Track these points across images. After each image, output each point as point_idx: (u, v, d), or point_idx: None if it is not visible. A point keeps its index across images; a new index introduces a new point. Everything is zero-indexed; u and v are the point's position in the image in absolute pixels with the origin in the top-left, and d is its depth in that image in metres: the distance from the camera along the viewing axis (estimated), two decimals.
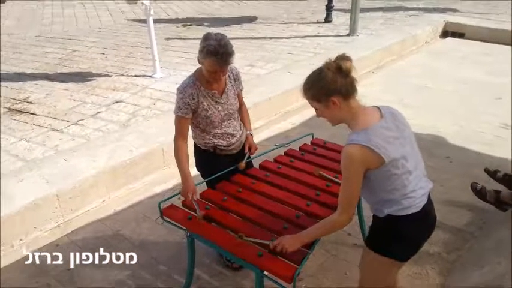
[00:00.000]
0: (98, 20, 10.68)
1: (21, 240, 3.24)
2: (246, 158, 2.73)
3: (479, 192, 3.33)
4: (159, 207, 2.33)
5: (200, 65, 2.42)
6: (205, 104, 2.45)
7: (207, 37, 2.31)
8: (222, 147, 2.62)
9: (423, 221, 1.89)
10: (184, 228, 2.28)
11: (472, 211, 3.42)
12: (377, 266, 1.95)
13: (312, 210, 2.28)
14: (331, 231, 1.96)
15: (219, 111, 2.51)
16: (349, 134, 1.79)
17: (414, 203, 1.81)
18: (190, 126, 2.57)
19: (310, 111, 5.38)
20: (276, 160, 2.88)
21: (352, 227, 3.17)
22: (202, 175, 2.66)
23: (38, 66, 7.02)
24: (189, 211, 2.35)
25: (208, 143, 2.60)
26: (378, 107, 1.85)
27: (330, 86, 1.74)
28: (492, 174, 3.54)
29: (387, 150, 1.70)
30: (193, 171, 2.67)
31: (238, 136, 2.69)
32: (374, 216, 1.95)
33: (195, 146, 2.71)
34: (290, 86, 5.67)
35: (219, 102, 2.51)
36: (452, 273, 2.79)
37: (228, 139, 2.62)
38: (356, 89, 1.78)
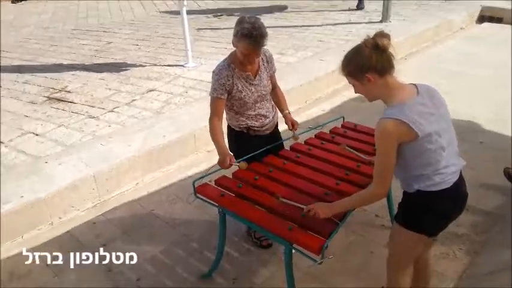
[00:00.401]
0: (131, 13, 10.93)
1: (60, 218, 3.42)
2: (292, 135, 2.83)
3: None
4: (193, 185, 2.42)
5: (234, 49, 2.49)
6: (239, 85, 2.54)
7: (241, 21, 2.39)
8: (256, 128, 2.70)
9: (453, 197, 1.89)
10: (217, 205, 2.36)
11: (503, 195, 3.37)
12: (405, 240, 1.98)
13: (342, 188, 2.31)
14: (365, 203, 1.98)
15: (252, 92, 2.59)
16: (385, 108, 1.81)
17: (445, 179, 1.82)
18: (224, 109, 2.65)
19: (340, 98, 5.47)
20: (306, 142, 2.93)
21: (381, 208, 3.20)
22: (236, 156, 2.72)
23: (75, 57, 7.28)
24: (221, 189, 2.42)
25: (242, 124, 2.68)
26: (415, 84, 1.85)
27: (365, 62, 1.76)
28: None
29: (422, 124, 1.71)
30: None
31: (271, 117, 2.76)
32: (404, 192, 1.96)
33: (229, 127, 2.80)
34: (321, 73, 5.70)
35: (252, 84, 2.58)
36: (480, 254, 2.77)
37: (261, 120, 2.70)
38: (393, 65, 1.79)
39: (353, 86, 1.90)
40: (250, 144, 2.70)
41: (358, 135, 2.96)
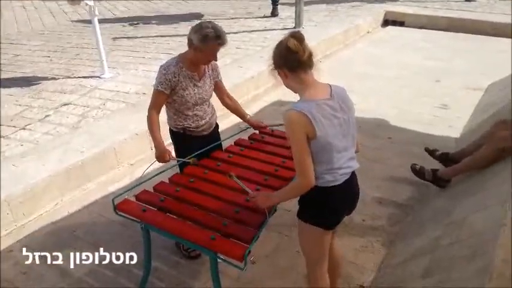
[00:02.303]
0: (41, 23, 10.32)
1: None
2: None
3: (419, 172, 3.57)
4: (113, 202, 2.37)
5: (184, 52, 2.67)
6: (184, 84, 2.66)
7: (201, 26, 2.54)
8: (192, 129, 2.81)
9: (343, 194, 2.03)
10: (139, 220, 2.34)
11: (411, 186, 3.67)
12: (309, 235, 2.12)
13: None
14: (296, 193, 2.05)
15: (195, 93, 2.71)
16: (296, 101, 1.95)
17: (336, 178, 1.97)
18: (164, 107, 2.76)
19: (260, 104, 5.60)
20: (226, 150, 2.99)
21: None
22: (177, 156, 2.86)
23: None
24: (142, 204, 2.40)
25: (179, 125, 2.79)
26: (330, 86, 1.99)
27: (278, 60, 1.97)
28: (431, 152, 3.81)
29: (323, 125, 1.85)
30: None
31: (207, 119, 2.87)
32: None
33: (169, 129, 2.89)
34: (240, 80, 5.78)
35: (196, 86, 2.72)
36: (395, 244, 3.01)
37: (197, 121, 2.81)
38: (304, 63, 1.92)
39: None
40: (189, 144, 2.81)
41: (274, 140, 3.08)
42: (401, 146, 4.32)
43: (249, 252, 1.97)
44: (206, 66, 2.78)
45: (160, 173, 2.69)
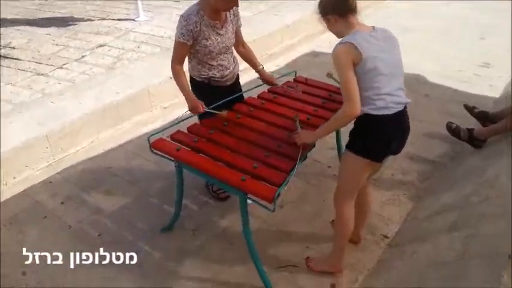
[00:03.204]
0: None
1: (14, 178, 3.35)
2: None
3: (454, 131, 3.49)
4: (148, 140, 2.44)
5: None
6: (206, 33, 2.56)
7: None
8: (216, 79, 2.74)
9: (394, 125, 2.09)
10: (173, 159, 2.41)
11: (445, 144, 3.61)
12: (353, 164, 2.17)
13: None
14: (341, 124, 2.13)
15: (218, 42, 2.62)
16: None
17: (387, 106, 2.02)
18: (187, 57, 2.69)
19: (294, 53, 5.50)
20: (259, 97, 2.98)
21: (332, 159, 3.37)
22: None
23: (17, 11, 6.84)
24: (177, 144, 2.46)
25: (203, 75, 2.72)
26: (373, 26, 2.09)
27: (328, 7, 2.08)
28: (470, 109, 3.71)
29: (367, 48, 1.95)
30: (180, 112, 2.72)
31: (231, 68, 2.81)
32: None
33: (191, 78, 2.82)
34: (275, 28, 5.68)
35: (219, 34, 2.62)
36: (423, 199, 3.00)
37: (222, 71, 2.74)
38: (352, 9, 2.06)
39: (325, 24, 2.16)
40: (212, 94, 2.74)
41: (308, 89, 3.05)
42: (439, 103, 4.21)
43: (279, 194, 2.01)
44: (227, 12, 2.67)
45: (191, 116, 2.71)
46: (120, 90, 4.16)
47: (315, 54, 5.47)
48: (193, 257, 2.61)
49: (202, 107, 2.59)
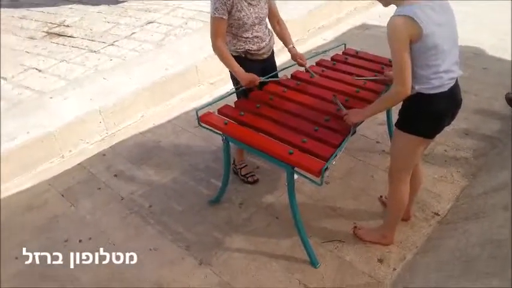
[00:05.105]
0: None
1: (70, 151, 3.52)
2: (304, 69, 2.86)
3: None
4: (197, 113, 2.46)
5: None
6: (239, 5, 2.51)
7: None
8: (253, 52, 2.69)
9: (448, 101, 2.01)
10: (220, 132, 2.43)
11: (503, 120, 3.42)
12: (405, 143, 2.10)
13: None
14: (391, 103, 2.08)
15: (251, 13, 2.57)
16: (396, 9, 1.89)
17: (443, 83, 1.93)
18: None
19: (344, 26, 5.36)
20: (307, 70, 2.93)
21: (381, 134, 3.28)
22: (236, 82, 2.74)
23: None
24: (224, 117, 2.48)
25: (239, 49, 2.67)
26: None
27: None
28: None
29: (427, 22, 1.81)
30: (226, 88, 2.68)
31: (267, 40, 2.75)
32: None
33: None
34: (323, 1, 5.53)
35: (251, 5, 2.57)
36: (477, 176, 2.87)
37: (258, 43, 2.68)
38: None
39: None
40: (250, 68, 2.67)
41: (359, 62, 2.96)
42: (496, 78, 3.98)
43: (327, 168, 1.98)
44: None
45: (239, 90, 2.70)
46: (168, 66, 4.22)
47: (366, 27, 5.29)
48: (240, 230, 2.66)
49: (258, 78, 2.56)
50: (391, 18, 1.85)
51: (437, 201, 2.72)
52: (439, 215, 2.62)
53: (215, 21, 2.53)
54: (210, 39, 2.58)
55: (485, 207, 2.44)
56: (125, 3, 6.13)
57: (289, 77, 2.85)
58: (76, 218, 2.85)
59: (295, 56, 2.82)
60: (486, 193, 2.59)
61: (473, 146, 3.16)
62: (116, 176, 3.21)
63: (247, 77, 2.56)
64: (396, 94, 1.94)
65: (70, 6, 6.30)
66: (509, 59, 4.28)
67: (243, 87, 2.62)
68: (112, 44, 4.86)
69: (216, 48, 2.58)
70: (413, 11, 1.80)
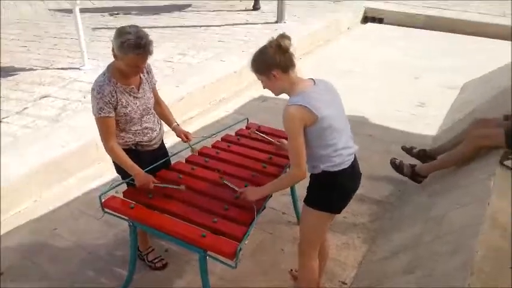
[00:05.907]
0: (16, 11, 10.01)
1: None
2: (191, 144, 2.84)
3: (398, 167, 3.67)
4: (100, 199, 2.34)
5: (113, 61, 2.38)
6: (123, 100, 2.39)
7: (121, 31, 2.23)
8: (144, 143, 2.60)
9: (352, 177, 2.19)
10: (127, 218, 2.33)
11: (391, 184, 3.77)
12: (314, 218, 2.20)
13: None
14: (288, 185, 2.26)
15: (137, 106, 2.47)
16: (289, 98, 2.04)
17: (344, 160, 2.09)
18: None
19: (243, 99, 5.60)
20: (213, 146, 2.99)
21: (286, 206, 3.40)
22: (123, 177, 2.59)
23: None
24: (130, 201, 2.38)
25: (129, 141, 2.54)
26: (312, 78, 2.13)
27: (270, 61, 2.01)
28: (408, 150, 3.91)
29: (320, 108, 1.97)
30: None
31: (157, 130, 2.68)
32: (311, 175, 2.19)
33: None
34: (223, 74, 5.78)
35: (137, 98, 2.46)
36: (376, 240, 3.08)
37: (149, 134, 2.60)
38: (294, 63, 2.05)
39: (261, 81, 2.13)
40: (141, 160, 2.52)
41: (249, 142, 3.06)
42: (382, 144, 4.41)
43: (240, 249, 1.99)
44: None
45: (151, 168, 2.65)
46: (65, 144, 4.01)
47: (263, 99, 5.58)
48: None
49: (152, 182, 2.38)
50: (286, 106, 1.99)
51: (342, 269, 2.83)
52: (346, 283, 2.72)
53: (103, 121, 2.38)
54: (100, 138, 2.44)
55: (385, 272, 2.60)
56: (16, 76, 5.79)
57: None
58: None
59: (179, 133, 2.80)
60: (385, 258, 2.77)
61: (368, 211, 3.40)
62: (2, 274, 2.85)
63: (140, 179, 2.38)
64: (293, 176, 2.08)
65: None
66: (391, 126, 4.79)
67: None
68: (1, 121, 4.50)
69: (110, 151, 2.43)
70: (306, 101, 1.96)
